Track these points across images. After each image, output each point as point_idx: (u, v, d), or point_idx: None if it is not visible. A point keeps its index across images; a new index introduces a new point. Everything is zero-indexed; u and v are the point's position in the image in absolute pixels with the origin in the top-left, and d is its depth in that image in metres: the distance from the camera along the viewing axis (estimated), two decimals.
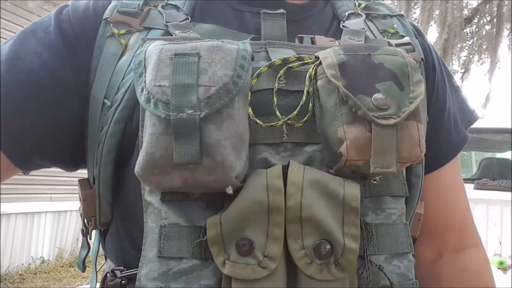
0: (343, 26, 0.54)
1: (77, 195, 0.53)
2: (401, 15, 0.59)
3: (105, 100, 0.48)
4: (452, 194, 0.62)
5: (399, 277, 0.44)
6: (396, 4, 7.37)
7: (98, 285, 0.52)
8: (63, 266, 4.87)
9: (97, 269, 0.54)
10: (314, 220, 0.40)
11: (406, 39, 0.53)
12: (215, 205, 0.42)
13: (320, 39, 0.50)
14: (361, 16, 0.56)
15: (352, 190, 0.41)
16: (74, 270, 4.83)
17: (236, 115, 0.40)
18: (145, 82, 0.40)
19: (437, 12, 7.00)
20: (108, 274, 0.50)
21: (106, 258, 0.55)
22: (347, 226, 0.40)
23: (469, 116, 0.63)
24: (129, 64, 0.48)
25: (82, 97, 0.49)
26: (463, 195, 0.62)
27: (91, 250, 0.55)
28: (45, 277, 4.47)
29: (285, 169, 0.42)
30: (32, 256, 4.68)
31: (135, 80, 0.42)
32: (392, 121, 0.40)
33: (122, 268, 0.49)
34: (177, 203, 0.42)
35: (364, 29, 0.54)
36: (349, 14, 0.56)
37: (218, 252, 0.40)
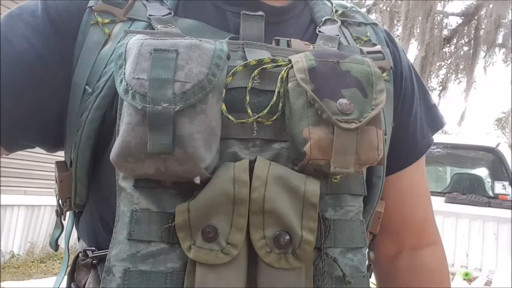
0: (319, 31, 0.57)
1: (53, 190, 0.55)
2: (375, 24, 0.62)
3: (87, 87, 0.49)
4: (412, 195, 0.64)
5: (352, 269, 0.47)
6: (379, 20, 7.55)
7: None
8: (33, 262, 4.77)
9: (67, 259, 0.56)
10: (275, 213, 0.42)
11: (378, 47, 0.57)
12: (185, 194, 0.44)
13: (296, 43, 0.53)
14: (337, 22, 0.59)
15: (312, 187, 0.43)
16: (45, 266, 4.73)
17: (209, 111, 0.42)
18: (124, 74, 0.42)
19: (418, 30, 7.21)
20: (80, 254, 0.53)
21: (79, 239, 0.57)
22: (306, 219, 0.43)
23: (437, 122, 0.66)
24: (112, 53, 0.49)
25: (65, 82, 0.51)
26: (424, 197, 0.65)
27: (64, 231, 0.57)
28: (14, 271, 4.37)
29: (252, 163, 0.44)
30: (1, 250, 4.56)
31: (115, 71, 0.44)
32: (353, 125, 0.43)
33: (93, 248, 0.50)
34: (149, 190, 0.44)
35: (338, 35, 0.57)
36: (325, 20, 0.59)
37: (185, 238, 0.42)
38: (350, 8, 0.62)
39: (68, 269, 0.55)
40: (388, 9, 7.98)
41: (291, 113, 0.45)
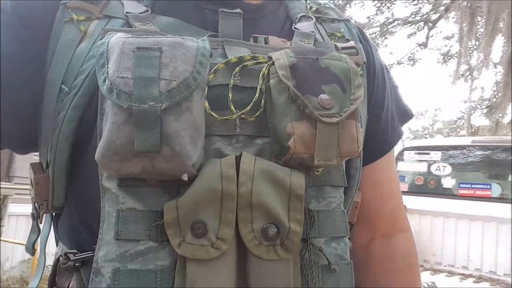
0: (295, 28, 0.58)
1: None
2: (348, 20, 0.64)
3: (63, 86, 0.48)
4: (384, 185, 0.67)
5: (336, 257, 0.48)
6: (459, 17, 7.01)
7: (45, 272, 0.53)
8: None
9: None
10: (263, 206, 0.43)
11: (351, 43, 0.58)
12: (171, 192, 0.44)
13: (273, 40, 0.54)
14: (312, 19, 0.60)
15: (298, 180, 0.45)
16: None
17: (194, 108, 0.42)
18: (107, 73, 0.42)
19: (502, 25, 6.53)
20: (60, 258, 0.51)
21: (57, 242, 0.56)
22: (293, 211, 0.44)
23: (406, 114, 0.70)
24: (89, 51, 0.49)
25: (37, 81, 0.49)
26: (395, 187, 0.69)
27: (40, 234, 0.56)
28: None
29: (237, 159, 0.44)
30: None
31: (97, 70, 0.43)
32: (334, 120, 0.45)
33: (75, 251, 0.49)
34: (135, 189, 0.44)
35: (313, 32, 0.58)
36: (300, 17, 0.60)
37: (174, 235, 0.42)
38: (323, 4, 0.64)
39: (49, 273, 0.53)
40: (469, 4, 7.35)
41: (274, 109, 0.46)
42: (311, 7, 0.63)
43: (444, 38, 9.16)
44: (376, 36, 9.36)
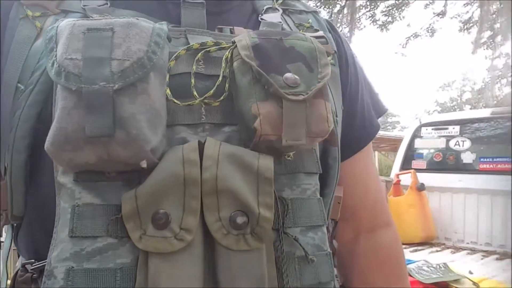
0: (261, 18, 0.57)
1: None
2: (316, 12, 0.63)
3: (19, 84, 0.46)
4: (365, 179, 0.66)
5: (314, 248, 0.46)
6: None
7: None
8: None
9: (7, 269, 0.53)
10: (230, 192, 0.41)
11: (320, 32, 0.56)
12: (132, 185, 0.41)
13: (239, 30, 0.52)
14: (279, 10, 0.60)
15: (266, 162, 0.43)
16: None
17: (151, 91, 0.40)
18: (56, 56, 0.40)
19: None
20: (18, 271, 0.49)
21: (18, 256, 0.53)
22: (262, 196, 0.42)
23: (380, 107, 0.69)
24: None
25: None
26: (375, 180, 0.68)
27: (1, 248, 0.53)
28: None
29: (202, 145, 0.42)
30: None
31: (46, 55, 0.41)
32: (301, 97, 0.43)
33: (32, 261, 0.47)
34: (92, 184, 0.41)
35: (280, 22, 0.57)
36: (267, 8, 0.59)
37: (134, 228, 0.40)
38: None
39: None
40: None
41: (238, 92, 0.45)
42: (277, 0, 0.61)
43: (464, 4, 8.75)
44: (392, 9, 9.05)
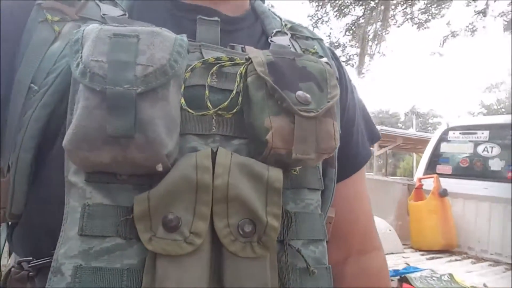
0: (271, 40, 0.59)
1: None
2: (321, 39, 0.66)
3: (32, 85, 0.47)
4: (357, 202, 0.67)
5: (314, 261, 0.47)
6: None
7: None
8: None
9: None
10: (240, 200, 0.42)
11: (325, 59, 0.57)
12: (141, 189, 0.42)
13: (250, 49, 0.53)
14: (287, 34, 0.62)
15: (275, 173, 0.44)
16: None
17: (170, 98, 0.42)
18: (81, 57, 0.41)
19: None
20: (12, 268, 0.48)
21: (10, 254, 0.53)
22: (270, 206, 0.43)
23: (374, 135, 0.71)
24: (62, 50, 0.48)
25: (5, 81, 0.48)
26: (366, 203, 0.69)
27: None
28: None
29: (213, 154, 0.44)
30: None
31: (70, 57, 0.42)
32: (312, 114, 0.45)
33: (30, 259, 0.47)
34: (103, 185, 0.42)
35: (289, 45, 0.59)
36: (276, 32, 0.61)
37: (144, 229, 0.40)
38: (297, 24, 0.67)
39: None
40: None
41: (251, 106, 0.46)
42: (286, 24, 0.64)
43: (508, 4, 8.31)
44: (430, 6, 8.73)
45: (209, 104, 0.46)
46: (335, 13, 8.39)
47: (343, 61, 8.98)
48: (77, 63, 0.41)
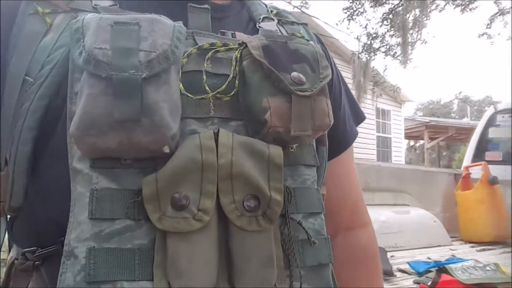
0: (259, 26, 0.61)
1: None
2: (306, 24, 0.68)
3: (26, 77, 0.47)
4: (345, 180, 0.70)
5: (314, 232, 0.50)
6: None
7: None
8: None
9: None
10: (243, 177, 0.44)
11: (311, 43, 0.59)
12: (146, 172, 0.43)
13: (239, 35, 0.56)
14: (274, 20, 0.64)
15: (275, 150, 0.46)
16: None
17: (172, 82, 0.43)
18: (84, 46, 0.42)
19: None
20: (15, 261, 0.49)
21: (10, 247, 0.54)
22: (272, 181, 0.45)
23: (359, 116, 0.74)
24: (56, 42, 0.48)
25: None
26: (355, 181, 0.72)
27: None
28: None
29: (215, 136, 0.45)
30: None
31: (72, 46, 0.43)
32: (307, 93, 0.48)
33: (35, 248, 0.47)
34: (108, 170, 0.43)
35: (277, 30, 0.62)
36: (263, 18, 0.64)
37: (154, 210, 0.41)
38: (282, 10, 0.69)
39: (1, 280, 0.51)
40: None
41: (248, 88, 0.48)
42: (272, 11, 0.67)
43: None
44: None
45: (207, 88, 0.48)
46: (371, 4, 8.16)
47: (383, 52, 8.70)
48: (79, 51, 0.42)
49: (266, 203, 0.44)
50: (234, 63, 0.50)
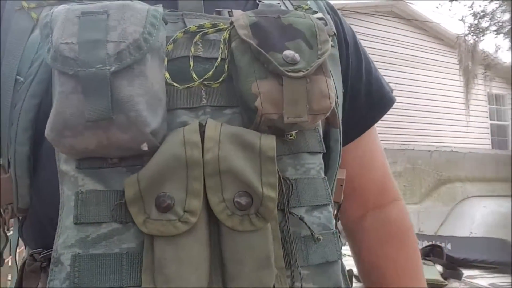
0: (259, 1, 0.56)
1: None
2: None
3: (18, 77, 0.47)
4: (369, 159, 0.67)
5: (320, 227, 0.46)
6: None
7: None
8: None
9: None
10: (233, 172, 0.41)
11: (319, 14, 0.55)
12: (135, 170, 0.42)
13: (237, 13, 0.51)
14: None
15: (267, 141, 0.43)
16: None
17: (149, 73, 0.41)
18: (51, 41, 0.40)
19: None
20: (26, 261, 0.50)
21: (25, 247, 0.54)
22: (265, 175, 0.42)
23: (385, 98, 0.66)
24: None
25: None
26: (380, 158, 0.68)
27: (9, 241, 0.53)
28: None
29: (202, 127, 0.43)
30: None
31: (42, 42, 0.42)
32: (301, 74, 0.43)
33: (41, 249, 0.47)
34: (95, 170, 0.42)
35: (279, 3, 0.57)
36: None
37: (138, 212, 0.40)
38: None
39: (15, 279, 0.51)
40: None
41: (238, 72, 0.45)
42: None
43: None
44: None
45: (194, 75, 0.45)
46: None
47: (493, 31, 7.82)
48: (48, 48, 0.40)
49: (259, 200, 0.41)
50: (222, 45, 0.46)
